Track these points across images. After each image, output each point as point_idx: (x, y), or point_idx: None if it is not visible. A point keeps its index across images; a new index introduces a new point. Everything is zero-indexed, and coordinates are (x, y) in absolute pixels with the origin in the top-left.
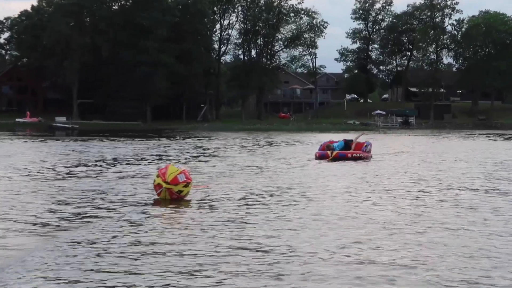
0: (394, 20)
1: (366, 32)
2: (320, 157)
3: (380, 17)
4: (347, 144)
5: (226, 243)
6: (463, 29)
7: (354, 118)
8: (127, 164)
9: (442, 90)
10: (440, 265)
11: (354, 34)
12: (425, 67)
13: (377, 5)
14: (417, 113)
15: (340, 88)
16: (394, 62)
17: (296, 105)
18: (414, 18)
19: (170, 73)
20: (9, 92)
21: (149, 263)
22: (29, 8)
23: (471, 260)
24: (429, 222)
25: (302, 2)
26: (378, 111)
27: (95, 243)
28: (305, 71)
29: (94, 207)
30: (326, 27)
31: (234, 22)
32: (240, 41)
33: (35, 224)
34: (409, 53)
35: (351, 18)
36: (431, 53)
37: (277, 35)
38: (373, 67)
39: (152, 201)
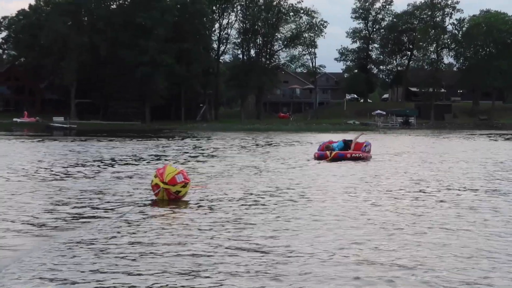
0: (395, 20)
1: (366, 31)
2: (319, 157)
3: (380, 16)
4: (347, 144)
5: (224, 243)
6: (463, 29)
7: (354, 118)
8: (125, 164)
9: (442, 90)
10: (439, 266)
11: (354, 34)
12: (426, 67)
13: (377, 4)
14: (418, 113)
15: (340, 88)
16: (394, 61)
17: (296, 105)
18: (415, 18)
19: (169, 73)
20: (7, 92)
21: (147, 263)
22: (26, 7)
23: (471, 261)
24: (428, 222)
25: (302, 1)
26: (378, 111)
27: (93, 243)
28: (304, 71)
29: (92, 208)
30: (325, 26)
31: (233, 22)
32: (239, 40)
33: (32, 225)
34: (409, 52)
35: (351, 17)
36: (432, 53)
37: (276, 34)
38: (373, 66)
39: (149, 202)
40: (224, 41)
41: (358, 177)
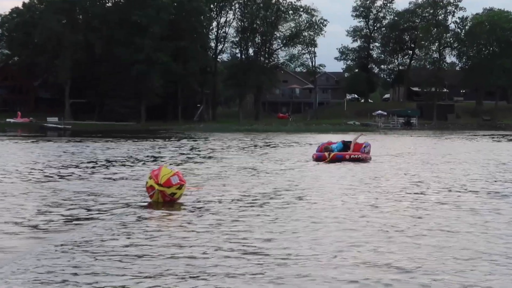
0: (396, 18)
1: (367, 30)
2: (317, 158)
3: (381, 14)
4: (346, 145)
5: (221, 246)
6: (466, 27)
7: (355, 118)
8: (120, 165)
9: (445, 90)
10: (438, 268)
11: (355, 32)
12: (428, 66)
13: (378, 2)
14: (420, 114)
15: (340, 88)
16: (395, 61)
17: (295, 105)
18: (416, 16)
19: (166, 72)
20: (0, 91)
21: (142, 266)
22: (20, 6)
23: (470, 263)
24: (428, 224)
25: None
26: (379, 112)
27: (87, 245)
28: (304, 70)
29: (86, 209)
30: (325, 25)
31: (231, 20)
32: (237, 39)
33: (26, 227)
34: (411, 51)
35: (352, 15)
36: (434, 52)
37: (275, 33)
38: (374, 66)
39: (144, 204)
40: (222, 39)
41: (357, 178)
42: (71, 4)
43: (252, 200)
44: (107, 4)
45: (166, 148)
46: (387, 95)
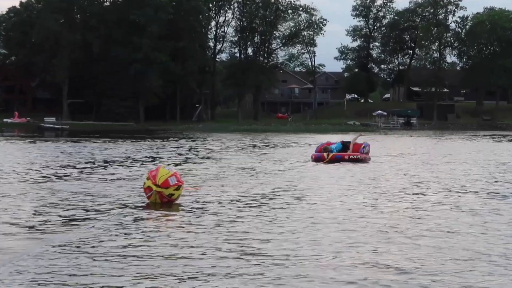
0: (396, 17)
1: (367, 29)
2: (316, 159)
3: (381, 14)
4: (345, 145)
5: (218, 247)
6: (467, 27)
7: (354, 118)
8: (118, 166)
9: (445, 90)
10: (438, 269)
11: (355, 32)
12: (428, 66)
13: (378, 2)
14: (420, 114)
15: (340, 88)
16: (395, 60)
17: (295, 105)
18: (417, 15)
19: (164, 72)
20: None
21: (140, 266)
22: (17, 5)
23: (469, 264)
24: (427, 225)
25: None
26: (379, 112)
27: (84, 246)
28: (303, 70)
29: (84, 210)
30: (325, 24)
31: (230, 19)
32: (236, 38)
33: (24, 227)
34: (411, 51)
35: (351, 15)
36: (434, 51)
37: (274, 32)
38: (374, 65)
39: (142, 204)
40: (221, 39)
41: (356, 179)
42: (68, 3)
43: (251, 200)
44: (105, 3)
45: (164, 148)
46: (387, 95)
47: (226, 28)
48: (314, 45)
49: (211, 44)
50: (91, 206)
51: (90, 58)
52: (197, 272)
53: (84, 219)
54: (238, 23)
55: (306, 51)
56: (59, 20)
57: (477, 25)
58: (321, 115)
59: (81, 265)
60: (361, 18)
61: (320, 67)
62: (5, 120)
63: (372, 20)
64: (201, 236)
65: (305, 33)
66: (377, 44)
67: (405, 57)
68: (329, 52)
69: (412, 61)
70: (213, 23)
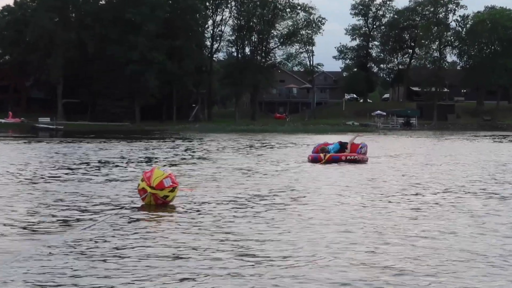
0: (396, 16)
1: (366, 28)
2: (313, 160)
3: (380, 12)
4: (343, 146)
5: (214, 248)
6: (467, 26)
7: (353, 118)
8: (113, 167)
9: (445, 90)
10: (434, 270)
11: (354, 31)
12: (428, 65)
13: (378, 0)
14: (419, 114)
15: (339, 87)
16: (395, 60)
17: (293, 105)
18: (417, 14)
19: (161, 71)
20: None
21: (134, 267)
22: (11, 3)
23: (466, 265)
24: (425, 226)
25: None
26: (378, 112)
27: (79, 247)
28: (302, 70)
29: (78, 211)
30: (324, 23)
31: (227, 18)
32: (233, 38)
33: (17, 228)
34: (411, 50)
35: (350, 13)
36: (434, 51)
37: (272, 31)
38: (373, 65)
39: (137, 205)
40: (218, 38)
41: (353, 179)
42: (63, 2)
43: (247, 201)
44: (101, 2)
45: (160, 149)
46: (386, 95)
47: (223, 27)
48: (313, 44)
49: (208, 43)
50: (86, 207)
51: (85, 57)
52: (193, 273)
53: (79, 220)
54: (235, 21)
55: (304, 50)
56: (53, 19)
57: (478, 24)
58: (320, 115)
59: (76, 267)
60: (360, 17)
61: (319, 67)
62: None
63: (372, 19)
64: (197, 237)
65: (303, 32)
66: (376, 43)
67: (405, 56)
68: (327, 51)
69: (412, 61)
70: (210, 21)
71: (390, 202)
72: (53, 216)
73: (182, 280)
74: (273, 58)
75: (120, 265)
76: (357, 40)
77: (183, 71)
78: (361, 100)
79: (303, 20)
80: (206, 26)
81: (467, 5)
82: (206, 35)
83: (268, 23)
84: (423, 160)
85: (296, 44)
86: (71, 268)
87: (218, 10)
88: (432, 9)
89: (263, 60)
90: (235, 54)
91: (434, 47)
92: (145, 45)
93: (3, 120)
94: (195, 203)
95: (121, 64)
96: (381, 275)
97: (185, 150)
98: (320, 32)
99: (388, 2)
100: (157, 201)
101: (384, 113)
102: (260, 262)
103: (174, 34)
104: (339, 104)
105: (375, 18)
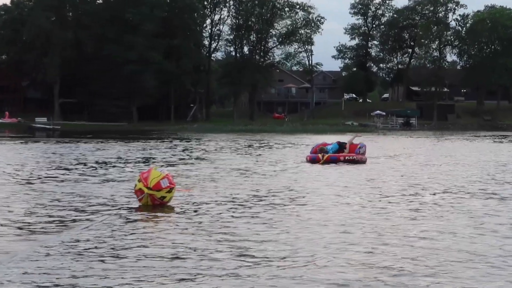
0: (395, 15)
1: (366, 27)
2: (311, 160)
3: (380, 12)
4: (341, 146)
5: (211, 248)
6: (467, 25)
7: (353, 118)
8: (110, 167)
9: (445, 89)
10: (433, 271)
11: (353, 30)
12: (428, 65)
13: None
14: (419, 114)
15: (338, 87)
16: (395, 59)
17: (291, 105)
18: (416, 13)
19: (159, 71)
20: None
21: (131, 268)
22: (8, 2)
23: (465, 265)
24: (423, 226)
25: None
26: (378, 112)
27: (76, 247)
28: (300, 69)
29: (75, 211)
30: (323, 22)
31: (226, 17)
32: (231, 37)
33: (14, 228)
34: (410, 50)
35: (350, 13)
36: (434, 50)
37: (271, 31)
38: (372, 64)
39: (134, 206)
40: (216, 37)
41: (352, 180)
42: (60, 1)
43: (245, 202)
44: (98, 1)
45: (158, 149)
46: (386, 95)
47: (221, 26)
48: (312, 43)
49: (206, 42)
50: (82, 208)
51: (82, 57)
52: (191, 274)
53: (76, 221)
54: (233, 21)
55: (303, 49)
56: (50, 18)
57: (478, 23)
58: (319, 115)
59: (74, 267)
60: (359, 16)
61: (318, 66)
62: None
63: (371, 18)
64: (195, 237)
65: (302, 31)
66: (375, 42)
67: (405, 56)
68: (326, 50)
69: (412, 60)
70: (208, 21)
71: (389, 202)
72: (50, 216)
73: (180, 280)
74: (271, 58)
75: (117, 266)
76: (356, 39)
77: (181, 70)
78: (361, 100)
79: (302, 19)
80: (204, 25)
81: (467, 4)
82: (204, 34)
83: (267, 22)
84: (423, 161)
85: (295, 44)
86: (69, 269)
87: (216, 9)
88: (431, 8)
89: (262, 60)
90: (233, 53)
91: (434, 47)
92: (142, 44)
93: (0, 120)
94: (192, 203)
95: (118, 64)
96: (379, 276)
97: (183, 150)
98: (319, 32)
99: (387, 1)
100: (154, 202)
101: (384, 113)
102: (258, 262)
103: (172, 33)
104: (338, 104)
105: (374, 17)
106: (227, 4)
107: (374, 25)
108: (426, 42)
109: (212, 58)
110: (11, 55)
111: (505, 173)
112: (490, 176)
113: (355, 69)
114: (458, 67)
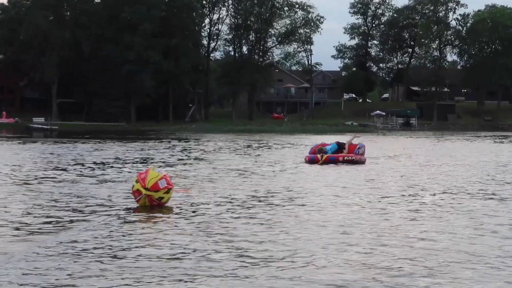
0: (395, 15)
1: (365, 27)
2: (310, 160)
3: (380, 11)
4: (341, 146)
5: (209, 249)
6: (468, 24)
7: (352, 118)
8: (108, 167)
9: (445, 89)
10: (432, 271)
11: (352, 30)
12: (428, 65)
13: None
14: (419, 114)
15: (338, 87)
16: (394, 59)
17: (291, 105)
18: (416, 13)
19: (157, 71)
20: None
21: (128, 269)
22: (5, 2)
23: (463, 266)
24: (422, 227)
25: None
26: (378, 112)
27: (74, 248)
28: (300, 69)
29: (73, 212)
30: (322, 22)
31: (224, 17)
32: (230, 36)
33: (11, 229)
34: (410, 49)
35: (349, 12)
36: (434, 50)
37: (270, 30)
38: (372, 64)
39: (132, 206)
40: (215, 37)
41: (350, 180)
42: (58, 0)
43: (243, 202)
44: (96, 1)
45: (156, 149)
46: (386, 95)
47: (220, 26)
48: (311, 43)
49: (205, 42)
50: (80, 208)
51: (81, 57)
52: (189, 274)
53: (73, 221)
54: (232, 20)
55: (302, 49)
56: (48, 17)
57: (478, 23)
58: (318, 115)
59: (71, 268)
60: (359, 16)
61: (317, 66)
62: None
63: (371, 17)
64: (193, 238)
65: (302, 31)
66: (375, 42)
67: (405, 55)
68: (326, 50)
69: (412, 60)
70: (207, 20)
71: (388, 203)
72: (48, 217)
73: (178, 281)
74: (270, 57)
75: (115, 266)
76: (356, 39)
77: (179, 70)
78: (360, 100)
79: (301, 18)
80: (203, 24)
81: (468, 4)
82: (203, 33)
83: (266, 22)
84: (423, 161)
85: (294, 43)
86: (66, 270)
87: (215, 8)
88: (432, 8)
89: (261, 59)
90: (232, 53)
91: (434, 46)
92: (141, 44)
93: None
94: (191, 204)
95: (117, 64)
96: (378, 277)
97: (181, 151)
98: (318, 31)
99: (387, 1)
100: (152, 202)
101: (384, 113)
102: (257, 263)
103: (170, 33)
104: (338, 104)
105: (374, 17)
106: (226, 4)
107: (374, 25)
108: (426, 41)
109: (210, 58)
110: (9, 55)
111: (505, 174)
112: (490, 176)
113: (354, 69)
114: (459, 67)
